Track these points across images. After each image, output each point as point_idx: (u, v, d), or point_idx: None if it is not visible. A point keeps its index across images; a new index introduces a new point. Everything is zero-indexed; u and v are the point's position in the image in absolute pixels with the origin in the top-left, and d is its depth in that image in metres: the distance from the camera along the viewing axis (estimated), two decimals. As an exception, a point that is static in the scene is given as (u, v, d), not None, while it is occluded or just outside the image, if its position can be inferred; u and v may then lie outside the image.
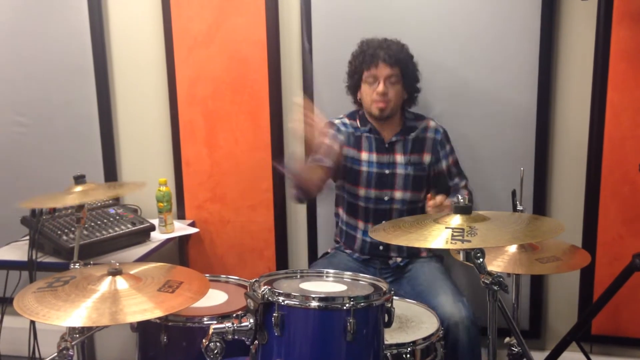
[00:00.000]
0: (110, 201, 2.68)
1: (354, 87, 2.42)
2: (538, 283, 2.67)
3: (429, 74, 2.47)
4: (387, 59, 2.29)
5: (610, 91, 2.46)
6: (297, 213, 2.82)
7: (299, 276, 1.81)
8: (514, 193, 2.09)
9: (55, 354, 1.67)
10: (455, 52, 2.54)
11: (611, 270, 2.48)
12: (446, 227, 1.64)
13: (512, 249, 2.10)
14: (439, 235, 1.61)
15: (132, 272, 1.79)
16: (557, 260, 2.07)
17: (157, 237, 2.63)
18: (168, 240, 2.66)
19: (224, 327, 1.57)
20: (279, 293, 1.56)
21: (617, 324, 2.62)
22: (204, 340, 1.57)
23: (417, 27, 2.54)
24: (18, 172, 2.99)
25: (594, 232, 2.56)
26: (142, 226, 2.57)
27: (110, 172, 2.92)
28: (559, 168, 2.59)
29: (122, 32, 2.84)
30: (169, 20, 2.74)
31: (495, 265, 2.02)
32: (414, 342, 1.81)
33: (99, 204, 2.63)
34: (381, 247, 2.40)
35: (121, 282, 1.70)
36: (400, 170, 2.38)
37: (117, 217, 2.57)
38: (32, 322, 2.27)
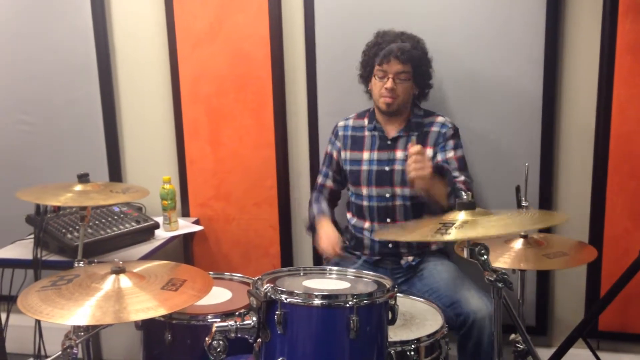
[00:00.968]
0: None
1: (365, 77, 2.41)
2: (544, 279, 2.65)
3: (434, 72, 2.45)
4: (399, 56, 2.28)
5: (616, 85, 2.43)
6: (302, 210, 2.82)
7: (302, 274, 1.80)
8: (518, 189, 2.08)
9: (60, 352, 1.67)
10: (460, 45, 2.52)
11: (618, 265, 2.46)
12: (440, 222, 1.65)
13: (518, 245, 2.09)
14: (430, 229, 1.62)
15: (135, 270, 1.79)
16: (564, 255, 2.06)
17: (162, 235, 2.63)
18: (172, 238, 2.66)
19: (227, 326, 1.57)
20: (281, 291, 1.55)
21: (624, 320, 2.60)
22: (207, 339, 1.57)
23: (421, 21, 2.52)
24: (22, 171, 3.00)
25: (600, 227, 2.54)
26: (146, 224, 2.57)
27: (115, 171, 2.93)
28: (565, 163, 2.57)
29: (125, 30, 2.83)
30: (172, 18, 2.73)
31: (502, 261, 2.01)
32: (418, 340, 1.80)
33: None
34: (390, 245, 2.38)
35: (125, 281, 1.70)
36: (398, 167, 2.35)
37: (122, 215, 2.58)
38: (38, 321, 2.28)
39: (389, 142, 2.39)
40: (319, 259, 2.78)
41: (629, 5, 2.37)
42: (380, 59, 2.30)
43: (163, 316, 1.81)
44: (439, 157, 2.35)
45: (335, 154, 2.50)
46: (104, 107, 2.88)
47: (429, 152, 2.35)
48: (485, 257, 1.61)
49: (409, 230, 1.85)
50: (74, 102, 2.90)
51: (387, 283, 1.69)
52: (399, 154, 2.37)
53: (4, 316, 2.45)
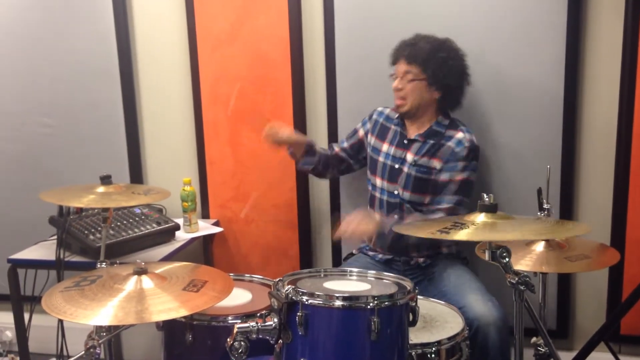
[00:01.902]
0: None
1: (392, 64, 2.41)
2: (565, 282, 2.63)
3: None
4: (406, 56, 2.28)
5: (639, 85, 2.40)
6: (321, 212, 2.82)
7: (322, 275, 1.81)
8: (539, 191, 2.06)
9: (83, 352, 1.69)
10: (479, 45, 2.50)
11: (641, 268, 2.44)
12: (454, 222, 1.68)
13: (540, 247, 2.08)
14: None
15: (157, 271, 1.81)
16: (586, 258, 2.04)
17: (182, 236, 2.65)
18: (192, 239, 2.68)
19: (249, 327, 1.57)
20: (302, 292, 1.55)
21: (647, 324, 2.58)
22: (228, 340, 1.58)
23: (441, 23, 2.51)
24: (45, 173, 3.03)
25: (622, 229, 2.51)
26: (167, 225, 2.59)
27: (136, 172, 2.95)
28: (586, 165, 2.55)
29: (147, 33, 2.86)
30: (193, 20, 2.75)
31: (524, 264, 1.99)
32: (438, 342, 1.80)
33: (125, 203, 2.65)
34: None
35: (147, 281, 1.72)
36: (405, 168, 2.35)
37: (143, 217, 2.60)
38: (60, 321, 2.31)
39: (405, 142, 2.38)
40: (338, 261, 2.79)
41: (652, 4, 2.35)
42: (392, 58, 2.35)
43: (184, 317, 1.82)
44: (444, 177, 2.29)
45: (361, 132, 2.52)
46: (125, 109, 2.90)
47: (437, 164, 2.31)
48: (507, 259, 1.60)
49: (421, 227, 1.84)
50: (96, 104, 2.93)
51: (408, 284, 1.69)
52: (409, 157, 2.36)
53: (27, 316, 2.48)
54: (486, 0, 2.49)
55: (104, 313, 1.59)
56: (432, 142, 2.34)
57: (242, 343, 1.57)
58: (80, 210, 2.53)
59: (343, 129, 2.67)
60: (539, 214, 2.06)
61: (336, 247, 2.82)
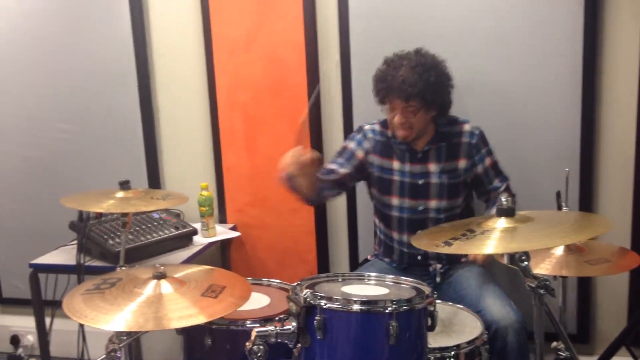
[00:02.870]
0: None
1: (379, 102, 2.31)
2: (585, 286, 2.60)
3: (467, 75, 2.43)
4: (401, 95, 2.16)
5: (658, 87, 2.39)
6: (338, 217, 2.82)
7: (340, 279, 1.81)
8: (558, 194, 2.05)
9: (104, 355, 1.71)
10: (496, 50, 2.50)
11: (662, 272, 2.40)
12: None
13: (559, 251, 2.06)
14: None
15: (175, 275, 1.82)
16: (606, 262, 2.03)
17: (200, 241, 2.66)
18: (210, 244, 2.69)
19: (267, 331, 1.58)
20: (321, 296, 1.56)
21: (669, 328, 2.54)
22: (247, 344, 1.58)
23: (456, 26, 2.52)
24: (64, 179, 3.07)
25: (643, 233, 2.49)
26: (184, 230, 2.61)
27: (154, 178, 2.98)
28: (605, 167, 2.52)
29: (163, 40, 2.89)
30: (209, 27, 2.77)
31: (543, 268, 1.98)
32: (457, 346, 1.79)
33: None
34: (419, 257, 2.36)
35: (166, 286, 1.73)
36: (434, 180, 2.31)
37: (161, 222, 2.62)
38: (81, 325, 2.33)
39: (419, 156, 2.33)
40: (355, 266, 2.79)
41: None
42: (382, 97, 2.24)
43: (203, 321, 1.83)
44: (479, 169, 2.33)
45: (360, 153, 2.39)
46: (143, 115, 2.93)
47: (462, 163, 2.31)
48: (526, 263, 1.59)
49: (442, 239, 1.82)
50: (114, 110, 2.96)
51: (426, 289, 1.68)
52: (432, 167, 2.32)
53: (48, 320, 2.50)
54: (503, 6, 2.48)
55: (124, 318, 1.60)
56: (444, 144, 2.32)
57: (261, 347, 1.58)
58: (99, 216, 2.55)
59: (359, 133, 2.67)
60: (564, 207, 2.03)
61: (353, 251, 2.83)
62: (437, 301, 1.66)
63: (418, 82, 2.15)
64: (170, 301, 1.68)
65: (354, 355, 1.55)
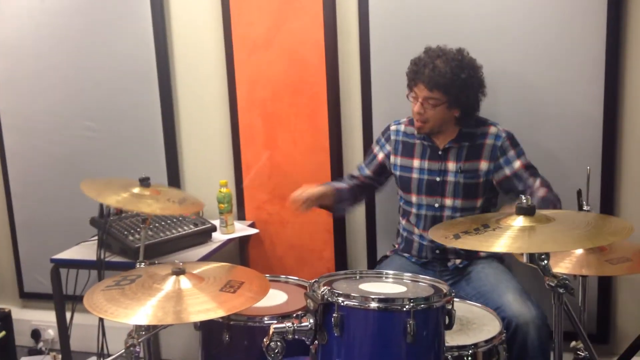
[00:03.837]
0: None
1: (407, 87, 2.35)
2: (606, 285, 2.57)
3: (491, 76, 2.40)
4: (427, 82, 2.20)
5: (682, 86, 2.35)
6: (356, 214, 2.82)
7: (358, 277, 1.81)
8: (579, 193, 2.03)
9: (123, 350, 1.73)
10: (519, 50, 2.48)
11: (685, 272, 2.37)
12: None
13: (579, 250, 2.04)
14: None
15: (194, 271, 1.84)
16: (627, 261, 2.00)
17: (218, 237, 2.68)
18: (229, 240, 2.70)
19: (285, 327, 1.59)
20: (338, 294, 1.56)
21: (691, 329, 2.51)
22: (265, 340, 1.59)
23: (478, 25, 2.50)
24: (87, 175, 3.04)
25: (665, 233, 2.45)
26: (203, 227, 2.62)
27: (173, 175, 3.00)
28: (627, 166, 2.49)
29: (184, 38, 2.91)
30: (229, 25, 2.78)
31: (563, 267, 1.96)
32: (475, 345, 1.79)
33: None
34: (437, 251, 2.37)
35: (185, 282, 1.75)
36: (450, 178, 2.32)
37: (180, 218, 2.64)
38: (101, 319, 2.36)
39: (440, 153, 2.35)
40: (373, 263, 2.79)
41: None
42: (410, 80, 2.28)
43: (221, 317, 1.84)
44: (507, 172, 2.29)
45: (381, 156, 2.49)
46: (163, 112, 2.95)
47: (484, 165, 2.30)
48: (546, 262, 1.58)
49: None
50: (135, 107, 2.99)
51: (444, 287, 1.68)
52: (451, 166, 2.33)
53: (68, 315, 2.54)
54: (524, 5, 2.46)
55: (144, 312, 1.62)
56: (467, 144, 2.32)
57: (279, 343, 1.58)
58: (120, 212, 2.58)
59: (378, 131, 2.65)
60: (585, 206, 2.01)
61: (371, 249, 2.82)
62: (455, 299, 1.65)
63: (447, 74, 2.19)
64: (189, 296, 1.69)
65: (371, 353, 1.55)
